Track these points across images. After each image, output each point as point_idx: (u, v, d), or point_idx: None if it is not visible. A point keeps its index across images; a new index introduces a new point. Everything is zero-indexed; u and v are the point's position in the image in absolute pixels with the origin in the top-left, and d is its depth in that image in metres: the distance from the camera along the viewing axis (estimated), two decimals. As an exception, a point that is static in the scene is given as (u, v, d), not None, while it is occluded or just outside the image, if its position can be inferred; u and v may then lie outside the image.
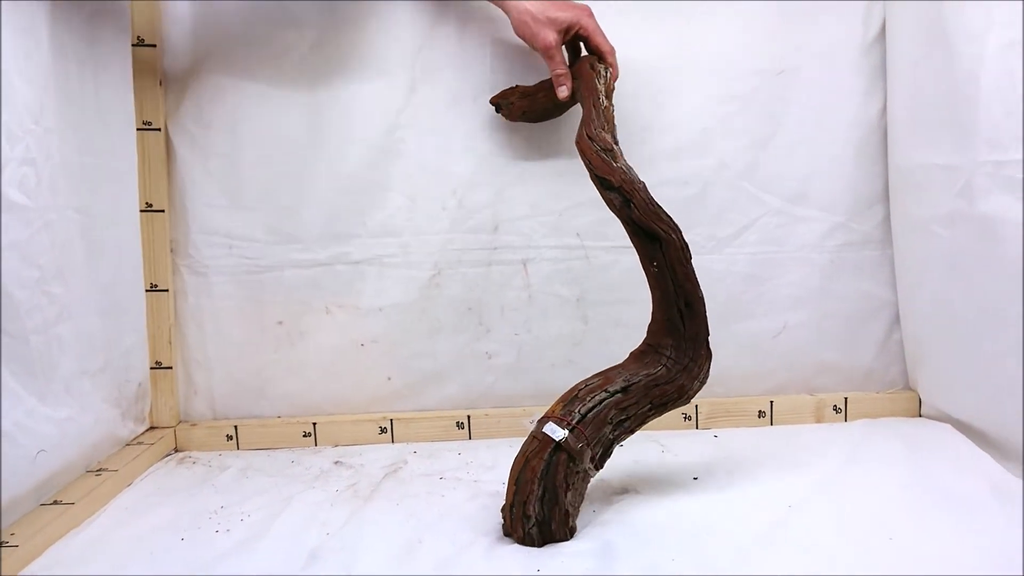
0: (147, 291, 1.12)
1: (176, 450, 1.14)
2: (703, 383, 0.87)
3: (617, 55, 1.04)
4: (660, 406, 0.86)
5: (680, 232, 0.85)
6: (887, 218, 1.16)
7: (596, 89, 0.96)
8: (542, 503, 0.80)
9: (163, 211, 1.12)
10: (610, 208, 0.88)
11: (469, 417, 1.16)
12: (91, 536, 0.87)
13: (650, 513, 0.87)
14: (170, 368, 1.14)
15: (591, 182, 1.14)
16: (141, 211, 1.11)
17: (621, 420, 0.84)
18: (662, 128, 1.14)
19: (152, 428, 1.14)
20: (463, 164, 1.15)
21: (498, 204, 1.16)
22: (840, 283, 1.17)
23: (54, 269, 0.90)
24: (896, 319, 1.18)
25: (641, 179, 0.87)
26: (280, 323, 1.16)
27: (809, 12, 1.13)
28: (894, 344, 1.18)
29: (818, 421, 1.16)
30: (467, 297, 1.17)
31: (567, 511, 0.81)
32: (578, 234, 1.16)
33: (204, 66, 1.12)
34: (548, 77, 1.04)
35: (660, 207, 0.85)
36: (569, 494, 0.81)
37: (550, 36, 0.99)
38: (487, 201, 1.16)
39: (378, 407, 1.18)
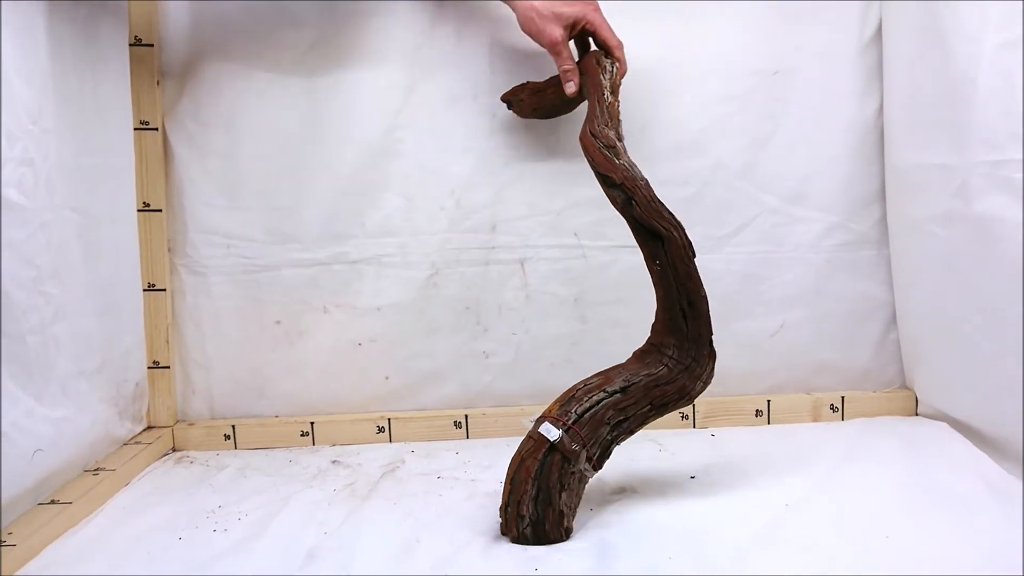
0: (145, 291, 1.12)
1: (174, 450, 1.14)
2: (706, 384, 0.86)
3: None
4: (660, 407, 0.85)
5: (682, 230, 0.85)
6: (884, 218, 1.16)
7: (601, 85, 0.96)
8: (536, 503, 0.80)
9: (160, 210, 1.12)
10: (613, 205, 0.87)
11: (467, 416, 1.16)
12: (89, 536, 0.87)
13: (648, 512, 0.87)
14: (168, 368, 1.14)
15: (589, 182, 1.15)
16: (139, 211, 1.11)
17: (620, 421, 0.84)
18: (660, 128, 1.14)
19: (150, 428, 1.14)
20: (461, 164, 1.15)
21: (496, 204, 1.16)
22: (837, 283, 1.17)
23: (51, 269, 0.90)
24: (893, 318, 1.18)
25: (643, 176, 0.86)
26: (278, 323, 1.16)
27: (806, 13, 1.14)
28: (891, 343, 1.19)
29: (815, 420, 1.16)
30: (465, 297, 1.17)
31: (561, 512, 0.81)
32: (576, 234, 1.17)
33: (201, 65, 1.12)
34: (557, 73, 1.04)
35: (662, 205, 0.85)
36: (564, 495, 0.81)
37: (556, 32, 0.98)
38: (485, 201, 1.16)
39: (376, 406, 1.18)
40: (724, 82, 1.14)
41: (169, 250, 1.14)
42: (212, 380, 1.17)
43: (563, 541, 0.81)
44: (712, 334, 0.86)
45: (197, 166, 1.13)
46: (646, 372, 0.85)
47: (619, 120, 0.94)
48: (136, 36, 1.09)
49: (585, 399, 0.83)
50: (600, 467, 0.84)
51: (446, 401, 1.18)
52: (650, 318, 1.15)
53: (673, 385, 0.85)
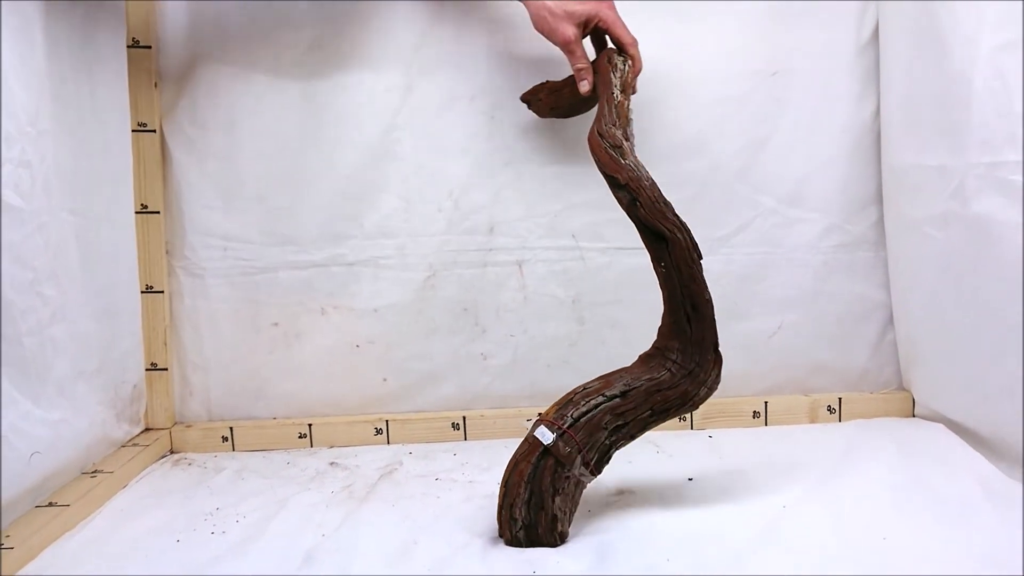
0: (142, 293, 1.12)
1: (171, 452, 1.14)
2: (711, 390, 0.84)
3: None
4: (662, 412, 0.83)
5: (687, 232, 0.83)
6: (881, 219, 1.17)
7: (611, 83, 0.94)
8: (529, 507, 0.80)
9: (158, 212, 1.12)
10: (620, 206, 0.86)
11: (465, 418, 1.16)
12: (86, 538, 0.87)
13: (645, 514, 0.87)
14: (165, 370, 1.14)
15: (587, 184, 1.15)
16: (136, 213, 1.11)
17: (619, 426, 0.82)
18: (658, 129, 1.14)
19: (147, 430, 1.14)
20: (459, 166, 1.15)
21: (494, 206, 1.16)
22: (834, 284, 1.18)
23: (48, 271, 0.90)
24: (890, 320, 1.18)
25: (649, 175, 0.85)
26: (276, 324, 1.16)
27: (803, 14, 1.14)
28: (888, 345, 1.19)
29: (812, 421, 1.16)
30: (463, 298, 1.17)
31: (555, 516, 0.80)
32: (573, 235, 1.17)
33: (199, 67, 1.12)
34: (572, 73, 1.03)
35: (668, 205, 0.84)
36: (558, 499, 0.80)
37: (569, 31, 0.97)
38: (483, 203, 1.16)
39: (374, 408, 1.18)
40: (721, 83, 1.15)
41: (167, 252, 1.14)
42: (210, 382, 1.17)
43: (557, 545, 0.80)
44: (717, 338, 0.84)
45: (195, 168, 1.13)
46: (648, 376, 0.83)
47: (629, 119, 0.92)
48: (134, 38, 1.09)
49: (583, 403, 0.82)
50: (599, 472, 0.83)
51: (444, 403, 1.18)
52: (648, 320, 1.14)
53: (675, 390, 0.83)
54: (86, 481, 0.96)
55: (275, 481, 1.02)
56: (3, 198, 0.83)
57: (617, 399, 0.82)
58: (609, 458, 0.83)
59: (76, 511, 0.90)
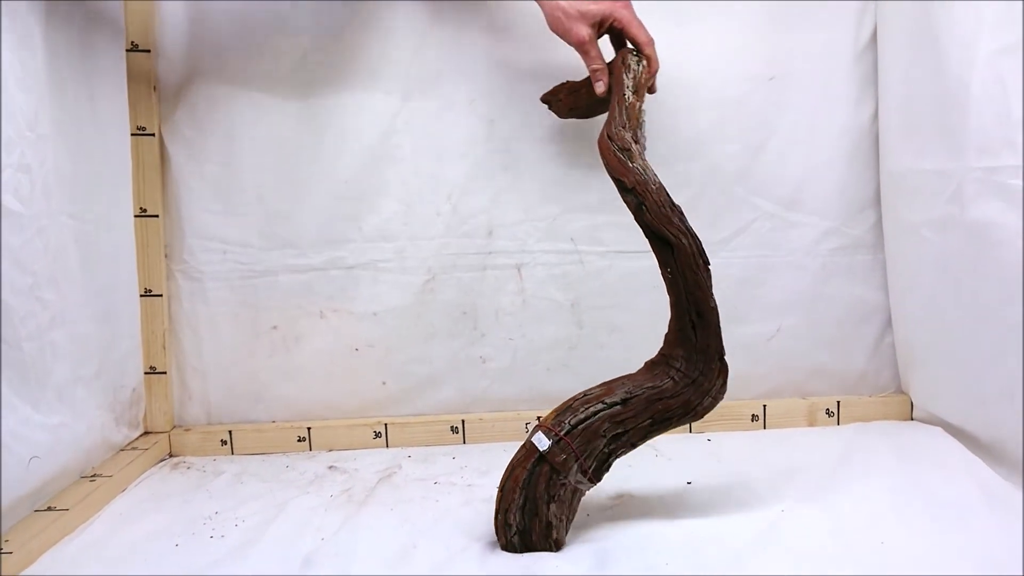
0: (141, 296, 1.12)
1: (170, 455, 1.14)
2: (716, 400, 0.83)
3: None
4: (663, 421, 0.82)
5: (692, 237, 0.81)
6: (879, 223, 1.17)
7: (623, 84, 0.93)
8: (523, 512, 0.79)
9: (157, 216, 1.12)
10: (629, 210, 0.84)
11: (464, 421, 1.16)
12: (85, 542, 0.87)
13: (644, 518, 0.87)
14: (164, 373, 1.14)
15: (585, 187, 1.16)
16: (135, 216, 1.11)
17: (618, 434, 0.81)
18: (656, 132, 1.14)
19: (146, 433, 1.14)
20: (458, 169, 1.15)
21: (493, 209, 1.16)
22: (832, 287, 1.18)
23: (48, 275, 0.90)
24: (888, 323, 1.18)
25: (657, 178, 0.84)
26: (275, 328, 1.16)
27: (801, 18, 1.14)
28: (886, 348, 1.19)
29: (811, 425, 1.17)
30: (462, 302, 1.17)
31: (549, 523, 0.80)
32: (572, 239, 1.17)
33: (198, 71, 1.12)
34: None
35: (674, 210, 0.82)
36: (553, 506, 0.79)
37: (583, 31, 0.96)
38: (482, 206, 1.16)
39: (373, 412, 1.18)
40: (720, 86, 1.15)
41: (166, 256, 1.14)
42: (209, 385, 1.17)
43: (551, 552, 0.80)
44: (722, 347, 0.82)
45: (194, 172, 1.13)
46: (650, 384, 0.82)
47: (640, 120, 0.91)
48: (133, 42, 1.09)
49: (581, 410, 0.81)
50: (598, 480, 0.82)
51: (443, 406, 1.19)
52: (647, 323, 1.15)
53: (677, 399, 0.81)
54: (85, 485, 0.96)
55: (274, 485, 1.02)
56: (3, 202, 0.83)
57: (617, 407, 0.81)
58: (608, 466, 0.83)
59: (75, 515, 0.90)
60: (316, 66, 1.13)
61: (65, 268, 0.95)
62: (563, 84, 1.07)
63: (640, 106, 0.92)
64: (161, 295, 1.13)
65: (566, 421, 0.81)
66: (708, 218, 1.16)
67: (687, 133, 1.15)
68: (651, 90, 0.99)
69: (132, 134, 1.10)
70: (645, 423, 0.81)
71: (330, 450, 1.15)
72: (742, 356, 1.17)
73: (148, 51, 1.10)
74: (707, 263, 0.82)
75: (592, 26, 0.96)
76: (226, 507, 0.95)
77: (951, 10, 0.96)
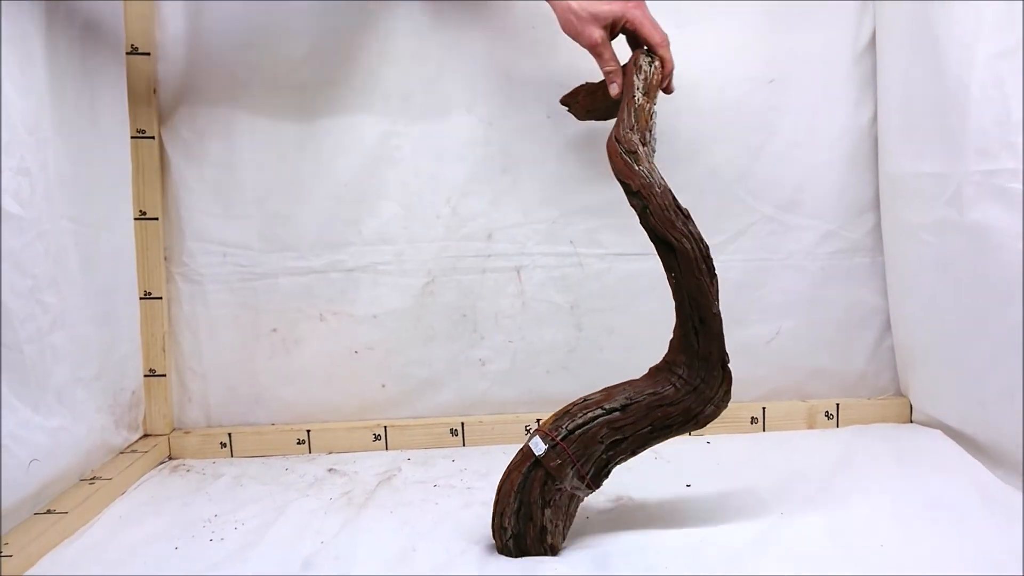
0: (141, 299, 1.12)
1: (170, 458, 1.14)
2: (719, 408, 0.81)
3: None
4: (663, 428, 0.80)
5: (695, 241, 0.80)
6: (878, 225, 1.17)
7: (633, 85, 0.91)
8: (517, 517, 0.79)
9: (157, 219, 1.12)
10: (636, 214, 0.83)
11: (463, 424, 1.16)
12: (85, 545, 0.87)
13: (643, 521, 0.87)
14: (164, 376, 1.14)
15: (584, 190, 1.16)
16: (135, 219, 1.11)
17: (616, 440, 0.80)
18: (655, 136, 1.14)
19: (146, 436, 1.14)
20: (457, 172, 1.16)
21: (492, 212, 1.16)
22: (832, 290, 1.18)
23: (48, 278, 0.90)
24: (887, 326, 1.18)
25: (663, 182, 0.82)
26: (274, 330, 1.16)
27: (800, 21, 1.14)
28: (885, 351, 1.19)
29: (810, 427, 1.17)
30: (461, 304, 1.17)
31: (544, 528, 0.79)
32: (571, 241, 1.17)
33: (198, 74, 1.12)
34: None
35: (678, 213, 0.80)
36: (547, 511, 0.79)
37: (595, 33, 0.94)
38: (481, 209, 1.16)
39: (372, 414, 1.18)
40: (719, 89, 1.15)
41: (165, 258, 1.14)
42: (208, 388, 1.17)
43: (546, 556, 0.79)
44: (725, 354, 0.81)
45: (193, 174, 1.13)
46: (651, 391, 0.81)
47: (650, 122, 0.89)
48: (132, 44, 1.09)
49: (579, 415, 0.80)
50: (597, 486, 0.82)
51: (442, 409, 1.19)
52: (646, 326, 1.16)
53: (677, 407, 0.80)
54: (84, 488, 0.96)
55: (274, 487, 1.02)
56: (3, 206, 0.83)
57: (616, 412, 0.80)
58: (608, 472, 0.82)
59: (75, 518, 0.90)
60: (316, 69, 1.13)
61: (65, 271, 0.95)
62: (582, 86, 1.05)
63: (650, 107, 0.90)
64: (161, 298, 1.13)
65: (563, 426, 0.80)
66: (707, 221, 1.13)
67: (686, 136, 1.15)
68: (667, 90, 0.97)
69: (132, 137, 1.10)
70: (644, 430, 0.80)
71: (329, 452, 1.15)
72: (742, 359, 1.16)
73: (148, 54, 1.10)
74: (712, 272, 0.80)
75: (604, 28, 0.94)
76: (225, 510, 0.95)
77: (950, 12, 0.97)
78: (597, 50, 0.95)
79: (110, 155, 1.06)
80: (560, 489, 0.80)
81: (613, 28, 0.95)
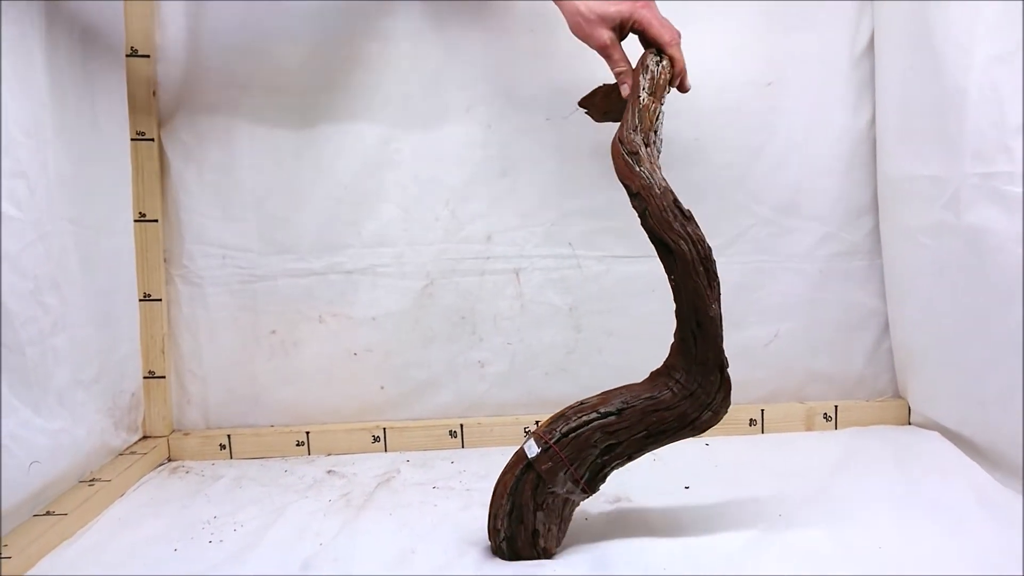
0: (141, 301, 1.13)
1: (169, 459, 1.14)
2: (717, 414, 0.80)
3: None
4: (658, 434, 0.79)
5: (694, 242, 0.78)
6: (876, 228, 1.17)
7: (639, 86, 0.90)
8: (509, 519, 0.79)
9: (156, 221, 1.12)
10: (638, 216, 0.82)
11: (462, 426, 1.16)
12: (84, 546, 0.87)
13: (642, 523, 0.87)
14: (163, 378, 1.14)
15: (583, 192, 1.16)
16: (135, 221, 1.11)
17: (611, 444, 0.79)
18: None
19: (145, 438, 1.14)
20: (456, 175, 1.16)
21: (491, 214, 1.16)
22: (830, 292, 1.18)
23: (49, 280, 0.91)
24: (885, 328, 1.19)
25: (664, 183, 0.80)
26: (273, 332, 1.17)
27: (798, 24, 1.14)
28: (883, 353, 1.19)
29: (808, 429, 1.17)
30: (460, 306, 1.17)
31: (536, 530, 0.79)
32: (570, 243, 1.17)
33: (198, 76, 1.12)
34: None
35: (677, 214, 0.79)
36: (540, 514, 0.78)
37: (604, 35, 0.93)
38: (480, 212, 1.16)
39: (371, 416, 1.18)
40: (717, 92, 1.15)
41: (165, 260, 1.15)
42: (208, 390, 1.17)
43: (537, 559, 0.79)
44: (723, 359, 0.80)
45: (193, 177, 1.14)
46: (648, 395, 0.79)
47: (656, 122, 0.87)
48: (132, 47, 1.10)
49: (574, 419, 0.79)
50: (592, 491, 0.81)
51: (441, 410, 1.19)
52: (645, 328, 1.16)
53: (673, 412, 0.79)
54: (84, 490, 0.96)
55: (273, 489, 1.02)
56: (3, 208, 0.83)
57: (612, 417, 0.79)
58: (604, 477, 0.81)
59: (74, 520, 0.90)
60: (315, 71, 1.13)
61: (65, 273, 0.95)
62: (599, 88, 1.02)
63: (656, 108, 0.89)
64: (160, 300, 1.13)
65: (557, 429, 0.79)
66: (706, 223, 1.14)
67: (686, 138, 1.15)
68: (682, 89, 0.96)
69: (132, 139, 1.10)
70: (640, 435, 0.79)
71: (329, 454, 1.15)
72: (740, 361, 1.16)
73: (148, 56, 1.10)
74: (712, 274, 0.78)
75: (613, 29, 0.93)
76: (225, 511, 0.95)
77: (948, 16, 0.97)
78: (606, 51, 0.94)
79: (110, 157, 1.07)
80: (553, 492, 0.79)
81: (622, 29, 0.94)
